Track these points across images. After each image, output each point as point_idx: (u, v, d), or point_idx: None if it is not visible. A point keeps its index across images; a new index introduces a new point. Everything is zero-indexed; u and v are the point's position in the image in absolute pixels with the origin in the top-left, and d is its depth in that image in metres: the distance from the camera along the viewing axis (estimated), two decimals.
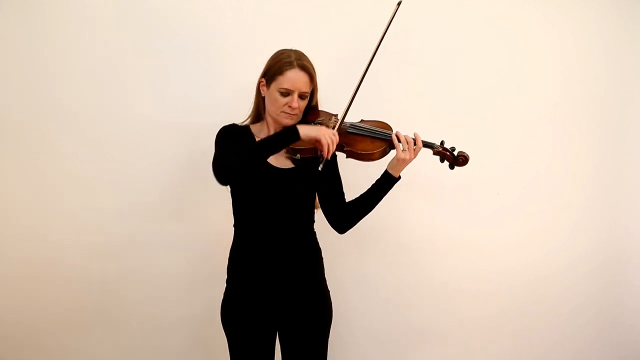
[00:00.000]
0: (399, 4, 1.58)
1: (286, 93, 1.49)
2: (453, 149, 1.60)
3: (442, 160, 1.61)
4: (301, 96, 1.51)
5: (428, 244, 2.19)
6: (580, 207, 2.28)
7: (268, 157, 1.43)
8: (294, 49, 1.55)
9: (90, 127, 1.98)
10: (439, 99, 2.14)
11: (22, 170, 1.98)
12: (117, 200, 2.01)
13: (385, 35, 1.55)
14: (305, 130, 1.41)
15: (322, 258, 1.64)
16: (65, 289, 2.03)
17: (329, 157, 1.45)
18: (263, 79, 1.54)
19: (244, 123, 1.65)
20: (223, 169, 1.39)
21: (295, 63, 1.48)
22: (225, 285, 1.60)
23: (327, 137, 1.42)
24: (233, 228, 1.61)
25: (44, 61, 1.94)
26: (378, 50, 1.55)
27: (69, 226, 2.01)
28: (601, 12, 2.21)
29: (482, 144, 2.12)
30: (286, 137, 1.41)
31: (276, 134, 1.44)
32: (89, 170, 1.99)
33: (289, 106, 1.50)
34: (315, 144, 1.45)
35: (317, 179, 1.59)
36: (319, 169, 1.44)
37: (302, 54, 1.54)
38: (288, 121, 1.53)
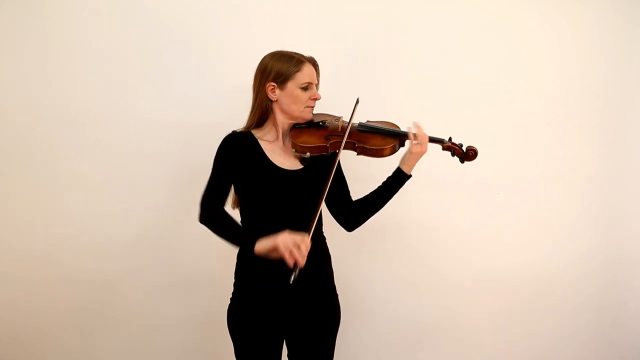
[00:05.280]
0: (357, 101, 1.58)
1: (306, 87, 1.52)
2: (461, 144, 1.61)
3: (453, 155, 1.62)
4: (316, 87, 1.57)
5: (434, 244, 2.19)
6: (581, 207, 2.28)
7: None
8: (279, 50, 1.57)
9: (91, 127, 1.98)
10: (439, 100, 2.14)
11: (22, 170, 1.98)
12: (117, 200, 2.01)
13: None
14: (260, 246, 1.37)
15: (331, 262, 1.62)
16: (65, 289, 2.03)
17: (302, 265, 1.32)
18: (273, 83, 1.51)
19: (244, 129, 1.59)
20: (201, 220, 1.46)
21: (304, 58, 1.53)
22: (226, 287, 1.58)
23: (286, 243, 1.33)
24: None
25: (43, 61, 1.95)
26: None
27: (69, 226, 2.01)
28: (601, 13, 2.21)
29: (483, 144, 2.12)
30: (242, 244, 1.44)
31: (238, 237, 1.44)
32: (89, 170, 2.00)
33: (313, 98, 1.54)
34: (277, 254, 1.35)
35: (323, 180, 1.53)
36: (290, 282, 1.30)
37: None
38: (310, 115, 1.57)
